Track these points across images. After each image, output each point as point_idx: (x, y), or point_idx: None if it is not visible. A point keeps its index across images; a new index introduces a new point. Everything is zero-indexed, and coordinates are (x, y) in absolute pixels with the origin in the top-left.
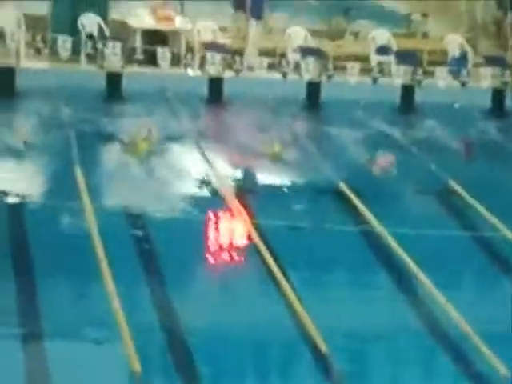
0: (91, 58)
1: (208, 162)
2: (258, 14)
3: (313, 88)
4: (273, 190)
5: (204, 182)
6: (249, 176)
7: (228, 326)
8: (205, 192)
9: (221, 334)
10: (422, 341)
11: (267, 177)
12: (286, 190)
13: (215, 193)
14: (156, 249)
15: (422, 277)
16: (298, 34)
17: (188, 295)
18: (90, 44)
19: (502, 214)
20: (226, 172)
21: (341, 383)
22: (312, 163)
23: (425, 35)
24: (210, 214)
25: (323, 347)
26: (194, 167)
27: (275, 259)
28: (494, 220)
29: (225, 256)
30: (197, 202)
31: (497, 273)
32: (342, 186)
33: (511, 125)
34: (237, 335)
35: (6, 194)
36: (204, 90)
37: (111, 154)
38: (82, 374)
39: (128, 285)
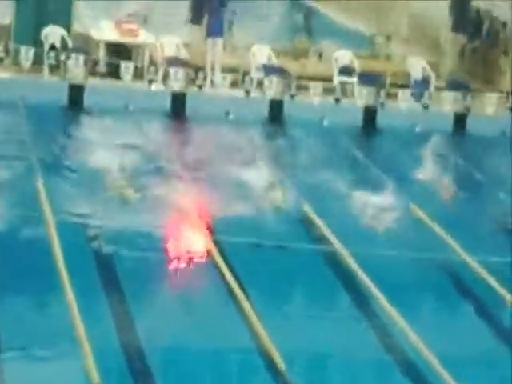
0: (54, 70)
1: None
2: (217, 32)
3: (276, 106)
4: None
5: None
6: None
7: (187, 342)
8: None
9: (179, 347)
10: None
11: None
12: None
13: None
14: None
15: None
16: (261, 52)
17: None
18: (52, 55)
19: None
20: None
21: None
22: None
23: (388, 57)
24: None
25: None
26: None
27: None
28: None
29: (184, 271)
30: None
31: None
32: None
33: (471, 148)
34: (195, 350)
35: None
36: (167, 105)
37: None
38: None
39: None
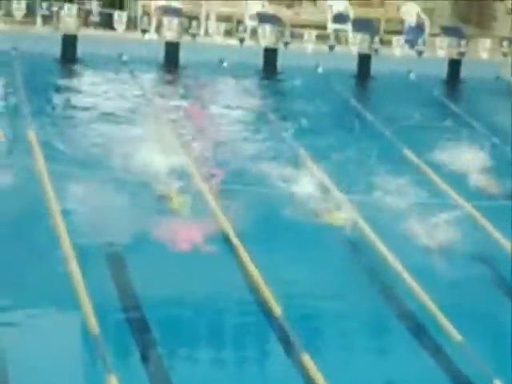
0: (47, 20)
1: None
2: None
3: (270, 54)
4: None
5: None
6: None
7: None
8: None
9: (176, 298)
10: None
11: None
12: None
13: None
14: None
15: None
16: (255, 1)
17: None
18: (45, 5)
19: None
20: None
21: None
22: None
23: (382, 4)
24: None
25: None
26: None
27: None
28: None
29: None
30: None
31: None
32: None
33: (466, 94)
34: (191, 300)
35: None
36: (161, 54)
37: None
38: (38, 339)
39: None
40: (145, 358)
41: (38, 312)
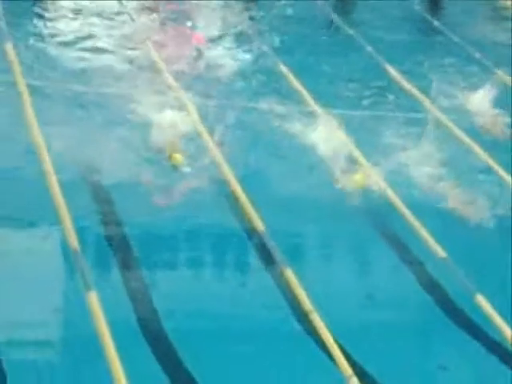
0: None
1: None
2: None
3: None
4: None
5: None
6: None
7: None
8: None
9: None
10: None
11: None
12: None
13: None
14: None
15: None
16: None
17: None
18: None
19: None
20: None
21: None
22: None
23: None
24: None
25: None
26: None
27: None
28: None
29: None
30: None
31: None
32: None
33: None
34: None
35: None
36: None
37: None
38: (17, 255)
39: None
40: (125, 275)
41: (17, 224)
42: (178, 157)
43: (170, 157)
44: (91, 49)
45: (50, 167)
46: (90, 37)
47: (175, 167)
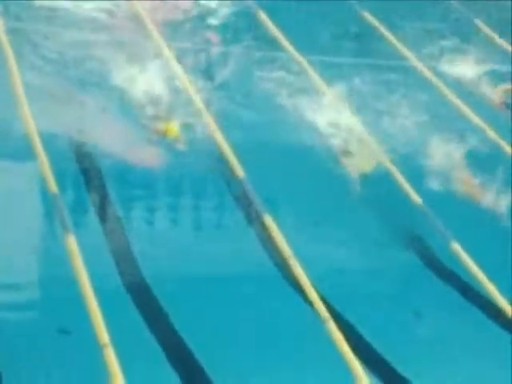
0: None
1: None
2: None
3: None
4: None
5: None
6: None
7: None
8: None
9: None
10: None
11: None
12: None
13: None
14: None
15: None
16: None
17: None
18: None
19: None
20: None
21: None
22: None
23: None
24: None
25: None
26: None
27: None
28: None
29: None
30: None
31: None
32: None
33: None
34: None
35: None
36: None
37: None
38: None
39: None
40: (102, 218)
41: None
42: (175, 129)
43: (166, 131)
44: None
45: (28, 112)
46: None
47: (173, 139)
